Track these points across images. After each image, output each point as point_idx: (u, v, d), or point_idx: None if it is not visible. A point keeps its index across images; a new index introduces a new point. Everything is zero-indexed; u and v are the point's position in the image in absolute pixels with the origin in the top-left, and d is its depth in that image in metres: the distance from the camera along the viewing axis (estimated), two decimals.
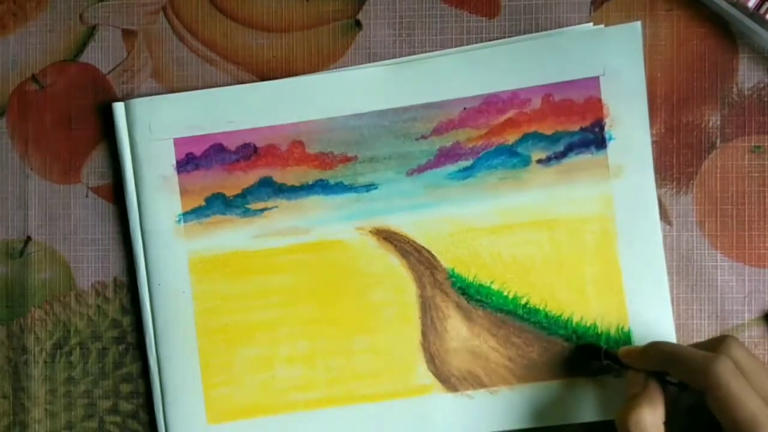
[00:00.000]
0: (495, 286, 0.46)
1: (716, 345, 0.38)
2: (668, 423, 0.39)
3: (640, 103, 0.46)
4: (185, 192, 0.47)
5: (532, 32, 0.47)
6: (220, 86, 0.47)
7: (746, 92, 0.46)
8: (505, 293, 0.46)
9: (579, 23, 0.46)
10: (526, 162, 0.46)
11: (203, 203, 0.47)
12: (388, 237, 0.47)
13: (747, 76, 0.46)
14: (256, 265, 0.47)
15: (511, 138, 0.46)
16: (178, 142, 0.47)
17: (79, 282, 0.48)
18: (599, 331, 0.46)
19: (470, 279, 0.46)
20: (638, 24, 0.45)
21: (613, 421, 0.46)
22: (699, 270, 0.46)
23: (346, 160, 0.47)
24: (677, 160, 0.46)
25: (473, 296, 0.46)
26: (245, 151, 0.47)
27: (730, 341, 0.38)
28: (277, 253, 0.47)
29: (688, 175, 0.46)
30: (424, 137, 0.47)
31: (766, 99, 0.46)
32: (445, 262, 0.47)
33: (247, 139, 0.47)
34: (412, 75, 0.46)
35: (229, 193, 0.47)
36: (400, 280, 0.47)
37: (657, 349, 0.40)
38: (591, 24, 0.46)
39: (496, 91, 0.46)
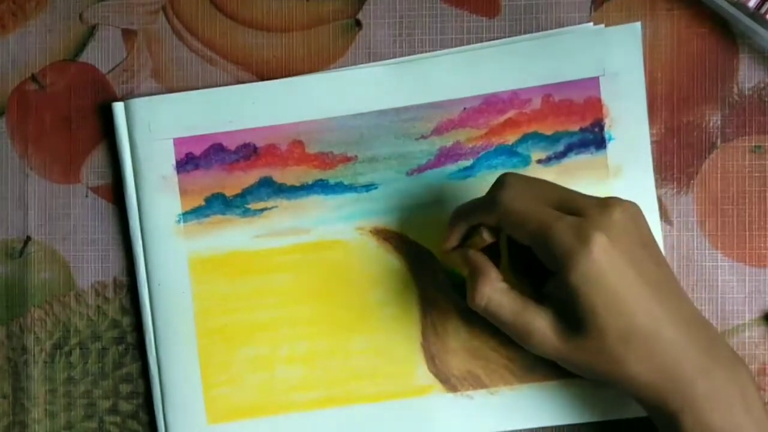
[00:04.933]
0: None
1: (495, 183, 0.40)
2: (511, 271, 0.42)
3: (640, 103, 0.46)
4: (185, 192, 0.47)
5: (532, 32, 0.46)
6: (220, 86, 0.47)
7: (747, 92, 0.46)
8: None
9: (579, 23, 0.46)
10: (526, 162, 0.46)
11: (203, 203, 0.47)
12: (388, 237, 0.47)
13: (747, 76, 0.46)
14: (256, 265, 0.47)
15: (511, 138, 0.46)
16: (178, 142, 0.47)
17: (78, 282, 0.48)
18: None
19: None
20: (638, 24, 0.45)
21: (613, 421, 0.46)
22: (699, 270, 0.46)
23: (346, 160, 0.47)
24: (677, 160, 0.46)
25: None
26: (245, 151, 0.47)
27: (503, 176, 0.40)
28: (277, 253, 0.47)
29: (688, 175, 0.46)
30: (424, 137, 0.47)
31: (766, 99, 0.46)
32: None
33: (247, 138, 0.47)
34: (412, 75, 0.46)
35: (229, 193, 0.47)
36: (400, 280, 0.47)
37: (454, 214, 0.42)
38: (591, 24, 0.46)
39: (496, 91, 0.46)
